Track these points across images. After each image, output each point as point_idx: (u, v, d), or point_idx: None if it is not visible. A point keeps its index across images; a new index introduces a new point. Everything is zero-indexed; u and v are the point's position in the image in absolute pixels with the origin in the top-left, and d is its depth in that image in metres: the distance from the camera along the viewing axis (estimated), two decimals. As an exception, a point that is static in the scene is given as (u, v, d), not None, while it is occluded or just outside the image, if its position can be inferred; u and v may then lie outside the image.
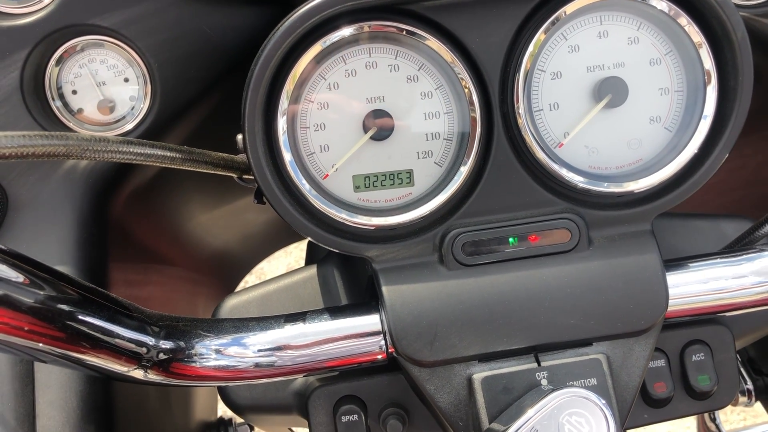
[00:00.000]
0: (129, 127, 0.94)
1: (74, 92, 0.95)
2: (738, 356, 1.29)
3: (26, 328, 0.59)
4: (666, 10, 0.73)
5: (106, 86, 0.95)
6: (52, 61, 0.91)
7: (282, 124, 0.73)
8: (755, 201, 1.23)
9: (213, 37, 0.92)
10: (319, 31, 0.73)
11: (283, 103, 0.72)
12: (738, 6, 0.98)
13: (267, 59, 0.70)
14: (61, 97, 0.93)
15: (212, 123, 1.01)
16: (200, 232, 1.30)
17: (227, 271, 1.50)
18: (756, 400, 1.27)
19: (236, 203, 1.29)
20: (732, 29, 0.71)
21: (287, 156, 0.73)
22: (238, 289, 1.58)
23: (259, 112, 0.71)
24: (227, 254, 1.47)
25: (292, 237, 1.53)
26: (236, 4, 0.92)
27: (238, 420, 1.32)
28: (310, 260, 1.09)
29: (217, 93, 0.98)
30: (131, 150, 0.65)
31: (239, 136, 0.75)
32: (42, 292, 0.60)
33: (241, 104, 0.74)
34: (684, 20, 0.73)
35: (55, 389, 0.83)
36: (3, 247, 0.61)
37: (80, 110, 0.95)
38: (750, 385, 1.26)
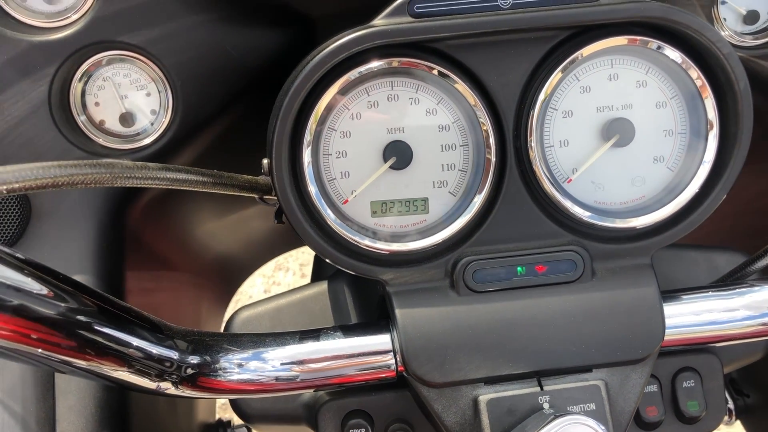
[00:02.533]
0: (149, 140, 0.97)
1: (97, 104, 0.97)
2: (721, 377, 1.35)
3: (59, 344, 0.62)
4: (678, 60, 0.77)
5: (128, 99, 0.98)
6: (78, 75, 0.94)
7: (307, 155, 0.76)
8: (746, 231, 1.28)
9: (235, 57, 0.95)
10: (345, 64, 0.76)
11: (308, 135, 0.76)
12: (736, 47, 1.03)
13: (296, 93, 0.73)
14: (84, 109, 0.96)
15: (230, 137, 1.05)
16: (207, 238, 1.33)
17: (229, 275, 1.54)
18: (736, 419, 1.33)
19: (242, 212, 1.32)
20: (735, 80, 0.76)
21: (312, 188, 0.76)
22: (237, 295, 1.61)
23: (285, 142, 0.75)
24: (229, 259, 1.50)
25: (294, 244, 1.57)
26: (258, 26, 0.96)
27: (236, 422, 1.35)
28: (317, 275, 1.13)
29: (236, 109, 1.01)
30: (169, 176, 0.68)
31: (264, 161, 0.78)
32: (75, 307, 0.64)
33: (268, 131, 0.77)
34: (695, 73, 0.77)
35: (75, 395, 0.86)
36: (34, 260, 0.64)
37: (102, 122, 0.98)
38: (731, 405, 1.31)
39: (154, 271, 1.10)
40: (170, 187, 0.70)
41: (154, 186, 0.68)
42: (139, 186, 0.67)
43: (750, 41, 1.03)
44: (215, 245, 1.39)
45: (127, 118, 0.98)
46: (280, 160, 0.75)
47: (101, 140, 0.96)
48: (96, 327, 0.63)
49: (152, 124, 0.98)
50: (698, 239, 1.17)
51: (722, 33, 1.02)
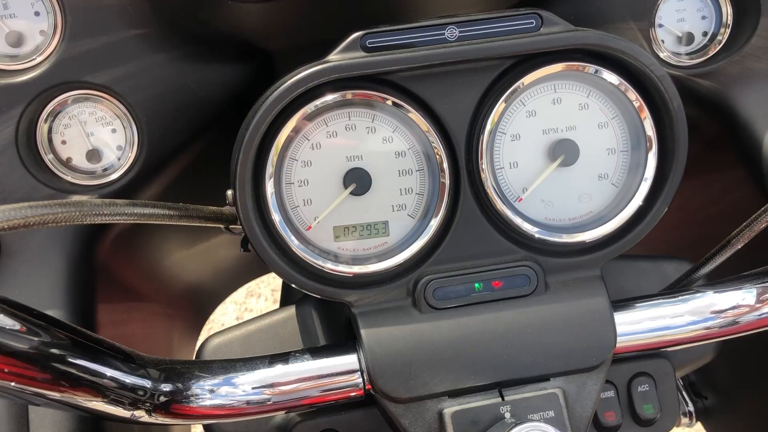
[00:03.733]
0: (116, 175, 1.00)
1: (63, 142, 1.00)
2: (680, 381, 1.40)
3: (35, 377, 0.64)
4: (616, 83, 0.82)
5: (94, 136, 1.00)
6: (44, 115, 0.96)
7: (270, 186, 0.79)
8: (693, 240, 1.34)
9: (198, 92, 0.99)
10: (303, 97, 0.80)
11: (270, 167, 0.79)
12: (674, 66, 1.09)
13: (256, 127, 0.77)
14: (51, 147, 0.98)
15: (195, 169, 1.08)
16: (176, 269, 1.35)
17: (199, 304, 1.56)
18: (697, 421, 1.38)
19: (210, 241, 1.34)
20: (669, 100, 0.81)
21: (276, 216, 0.80)
22: (209, 323, 1.63)
23: (248, 174, 0.78)
24: (200, 288, 1.52)
25: (261, 271, 1.59)
26: (220, 62, 0.99)
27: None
28: (285, 299, 1.16)
29: (200, 142, 1.04)
30: (136, 211, 0.71)
31: (229, 192, 0.81)
32: (48, 340, 0.66)
33: (231, 164, 0.80)
34: (632, 95, 0.82)
35: (49, 428, 0.87)
36: (4, 297, 0.66)
37: (69, 159, 1.00)
38: (691, 408, 1.36)
39: (125, 302, 1.12)
40: (138, 221, 0.73)
41: (122, 222, 0.71)
42: (108, 222, 0.69)
43: (686, 61, 1.10)
44: (185, 275, 1.41)
45: (93, 155, 1.00)
46: (244, 192, 0.79)
47: (69, 177, 0.98)
48: (69, 359, 0.66)
49: (119, 159, 1.00)
50: (649, 249, 1.23)
51: (660, 54, 1.09)
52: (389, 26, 0.80)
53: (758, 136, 1.07)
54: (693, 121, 1.13)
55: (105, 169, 1.01)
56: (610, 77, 0.82)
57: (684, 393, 1.38)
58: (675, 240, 1.33)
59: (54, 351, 0.65)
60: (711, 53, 1.10)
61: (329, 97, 0.79)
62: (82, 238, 0.97)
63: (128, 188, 1.00)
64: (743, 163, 1.10)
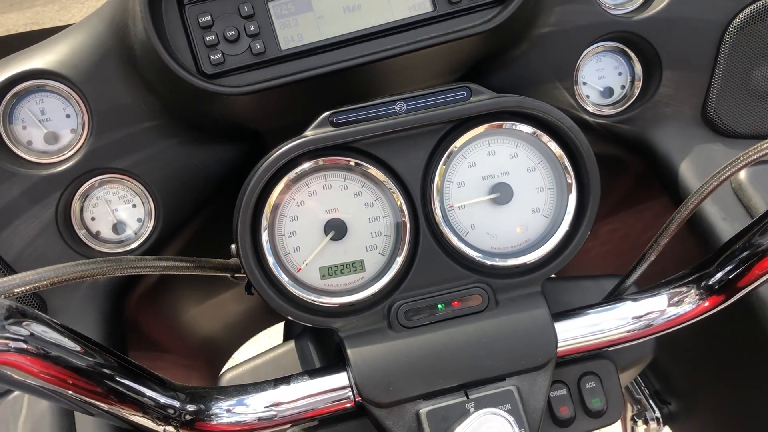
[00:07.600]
0: (137, 244, 1.19)
1: (93, 219, 1.20)
2: (646, 389, 1.56)
3: (90, 390, 0.79)
4: (531, 132, 1.02)
5: (118, 212, 1.21)
6: (76, 197, 1.17)
7: (265, 236, 0.99)
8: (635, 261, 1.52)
9: (202, 169, 1.19)
10: (288, 166, 1.00)
11: (264, 222, 0.99)
12: (600, 116, 1.30)
13: (251, 192, 0.96)
14: (83, 223, 1.18)
15: (203, 233, 1.27)
16: (192, 324, 1.53)
17: (213, 357, 1.73)
18: (665, 425, 1.53)
19: (220, 297, 1.53)
20: (580, 145, 1.01)
21: (270, 259, 0.99)
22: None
23: (247, 229, 0.98)
24: (213, 341, 1.70)
25: (267, 323, 1.77)
26: (220, 143, 1.20)
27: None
28: (287, 336, 1.34)
29: (206, 211, 1.24)
30: (161, 264, 0.90)
31: (233, 246, 1.01)
32: (101, 362, 0.83)
33: (233, 222, 1.00)
34: (546, 138, 1.02)
35: None
36: (68, 327, 0.83)
37: (98, 232, 1.20)
38: (658, 414, 1.52)
39: (149, 353, 1.30)
40: (162, 272, 0.92)
41: (149, 273, 0.90)
42: (139, 274, 0.88)
43: (610, 111, 1.31)
44: (200, 329, 1.59)
45: (118, 228, 1.20)
46: (245, 243, 0.98)
47: (99, 248, 1.18)
48: (117, 378, 0.84)
49: (140, 229, 1.20)
50: (603, 270, 1.41)
51: (587, 107, 1.30)
52: (352, 105, 1.01)
53: (674, 167, 1.27)
54: (621, 159, 1.34)
55: (128, 239, 1.20)
56: (526, 129, 1.02)
57: (651, 401, 1.53)
58: (625, 264, 1.51)
59: (105, 370, 0.83)
60: (629, 103, 1.31)
61: (306, 165, 1.00)
62: (113, 297, 1.16)
63: (148, 254, 1.19)
64: (666, 191, 1.29)
